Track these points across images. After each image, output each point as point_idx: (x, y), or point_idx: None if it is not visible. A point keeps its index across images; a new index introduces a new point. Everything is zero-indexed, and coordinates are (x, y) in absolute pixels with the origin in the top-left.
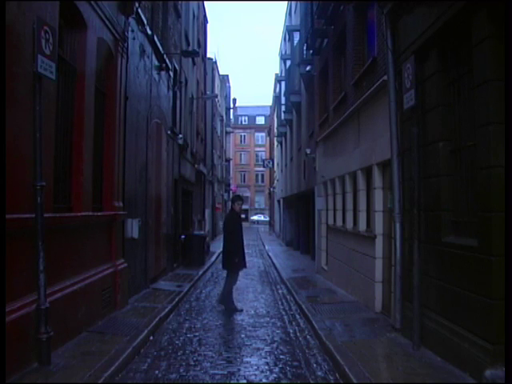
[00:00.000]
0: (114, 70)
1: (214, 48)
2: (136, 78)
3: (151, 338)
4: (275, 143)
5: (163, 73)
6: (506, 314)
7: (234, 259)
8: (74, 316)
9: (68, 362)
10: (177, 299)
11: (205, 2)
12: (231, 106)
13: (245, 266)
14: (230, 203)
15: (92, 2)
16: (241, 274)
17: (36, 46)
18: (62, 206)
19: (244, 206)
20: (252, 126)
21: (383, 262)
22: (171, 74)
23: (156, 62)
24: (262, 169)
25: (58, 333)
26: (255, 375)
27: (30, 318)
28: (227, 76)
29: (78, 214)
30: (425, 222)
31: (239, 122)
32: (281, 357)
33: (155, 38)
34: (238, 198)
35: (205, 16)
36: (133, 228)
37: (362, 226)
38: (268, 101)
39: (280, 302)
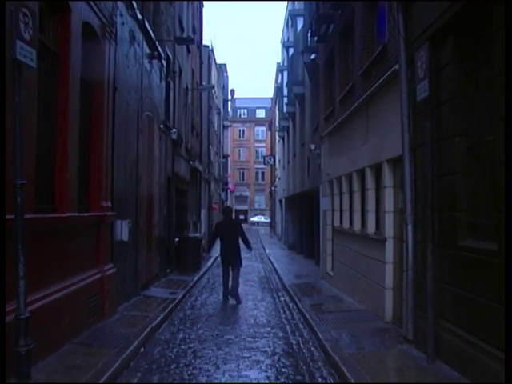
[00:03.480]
0: (101, 58)
1: (211, 35)
2: (126, 67)
3: (142, 349)
4: (277, 138)
5: (155, 61)
6: (506, 314)
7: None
8: (56, 326)
9: (49, 376)
10: (170, 307)
11: None
12: (229, 97)
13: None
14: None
15: None
16: (240, 280)
17: (14, 30)
18: (45, 206)
19: (243, 207)
20: (252, 120)
21: (394, 268)
22: (164, 62)
23: (147, 50)
24: (262, 166)
25: (39, 345)
26: None
27: (8, 329)
28: (225, 65)
29: (62, 214)
30: (439, 224)
31: (238, 116)
32: (283, 370)
33: (146, 23)
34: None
35: None
36: (122, 230)
37: (371, 228)
38: (269, 92)
39: (282, 311)
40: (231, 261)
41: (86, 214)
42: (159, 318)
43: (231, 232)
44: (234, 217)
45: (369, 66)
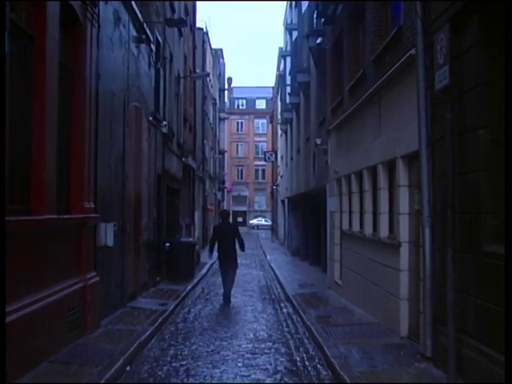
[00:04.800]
0: (82, 42)
1: (205, 16)
2: (110, 52)
3: (128, 368)
4: (279, 132)
5: (143, 46)
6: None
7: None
8: (31, 343)
9: None
10: (160, 320)
11: None
12: (226, 86)
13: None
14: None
15: None
16: (238, 289)
17: None
18: (19, 207)
19: (241, 208)
20: (251, 112)
21: (410, 276)
22: (153, 47)
23: (134, 33)
24: (262, 163)
25: (12, 365)
26: None
27: None
28: (221, 50)
29: (38, 217)
30: (460, 227)
31: (236, 107)
32: None
33: (133, 2)
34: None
35: None
36: (107, 234)
37: (384, 231)
38: (270, 81)
39: (285, 324)
40: (228, 263)
41: (65, 216)
42: (148, 333)
43: (228, 235)
44: (231, 220)
45: (382, 51)
